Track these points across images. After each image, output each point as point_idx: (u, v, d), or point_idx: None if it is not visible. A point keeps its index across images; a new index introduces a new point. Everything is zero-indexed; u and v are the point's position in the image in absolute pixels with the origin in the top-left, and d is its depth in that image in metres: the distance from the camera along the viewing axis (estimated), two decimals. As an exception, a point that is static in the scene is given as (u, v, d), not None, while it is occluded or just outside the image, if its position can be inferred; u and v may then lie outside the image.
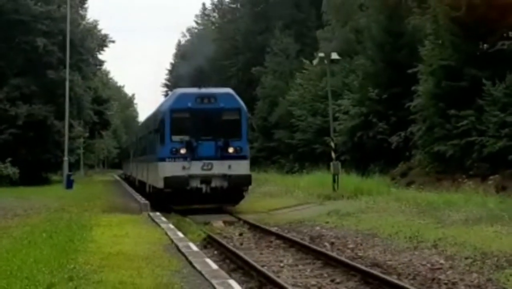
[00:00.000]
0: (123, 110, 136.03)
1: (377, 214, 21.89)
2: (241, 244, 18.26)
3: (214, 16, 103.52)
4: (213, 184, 24.60)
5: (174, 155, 24.65)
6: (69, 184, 37.67)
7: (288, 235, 19.11)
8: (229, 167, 24.71)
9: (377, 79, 41.87)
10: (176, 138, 24.95)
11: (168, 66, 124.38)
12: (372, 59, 43.57)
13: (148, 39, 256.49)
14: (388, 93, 40.43)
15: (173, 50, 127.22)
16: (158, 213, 22.04)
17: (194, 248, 14.15)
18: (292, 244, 17.29)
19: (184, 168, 24.46)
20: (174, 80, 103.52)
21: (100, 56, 59.66)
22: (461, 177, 28.90)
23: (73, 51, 44.92)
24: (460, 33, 32.41)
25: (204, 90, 26.04)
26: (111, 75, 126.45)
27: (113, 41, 58.99)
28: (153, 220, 20.01)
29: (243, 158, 25.41)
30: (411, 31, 39.72)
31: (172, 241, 15.05)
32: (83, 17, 57.30)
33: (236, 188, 25.08)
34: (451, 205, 21.27)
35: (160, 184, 24.92)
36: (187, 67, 74.37)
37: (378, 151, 39.95)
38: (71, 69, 44.42)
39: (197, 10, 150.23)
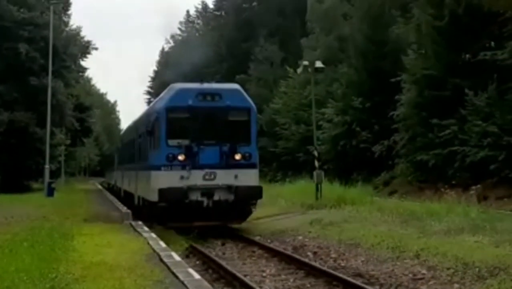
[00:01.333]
0: (105, 117, 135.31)
1: (360, 223, 21.88)
2: (224, 253, 18.22)
3: (198, 23, 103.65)
4: (216, 197, 20.69)
5: (171, 162, 20.71)
6: (50, 192, 37.40)
7: (271, 245, 19.11)
8: (236, 176, 20.97)
9: (361, 88, 42.04)
10: (173, 142, 20.94)
11: (152, 74, 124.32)
12: (355, 68, 43.74)
13: (131, 46, 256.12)
14: (371, 102, 40.59)
15: (156, 57, 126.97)
16: (140, 222, 21.87)
17: (177, 257, 14.04)
18: (274, 253, 17.25)
19: (182, 177, 20.55)
20: (157, 87, 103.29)
21: (83, 63, 59.58)
22: (443, 187, 28.99)
23: (55, 57, 44.74)
24: (443, 42, 32.61)
25: (206, 85, 22.49)
26: (93, 82, 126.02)
27: (96, 48, 59.00)
28: (135, 229, 19.86)
29: (252, 166, 21.58)
30: (395, 40, 39.91)
31: (154, 251, 14.93)
32: (66, 24, 57.23)
33: (244, 202, 21.32)
34: (433, 214, 21.29)
35: (153, 197, 20.96)
36: (170, 75, 74.22)
37: (361, 159, 40.06)
38: (54, 76, 44.24)
39: (181, 17, 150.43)
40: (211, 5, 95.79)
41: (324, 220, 23.23)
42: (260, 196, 21.42)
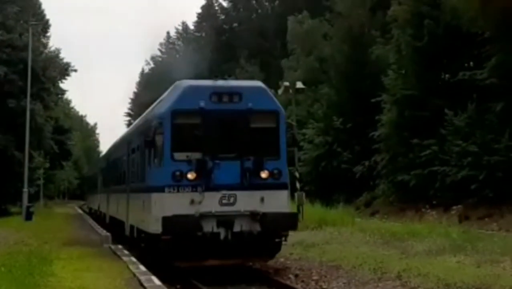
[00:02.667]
0: (85, 140, 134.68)
1: (341, 245, 21.77)
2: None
3: (179, 45, 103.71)
4: (237, 228, 15.82)
5: (178, 182, 15.86)
6: (29, 216, 36.95)
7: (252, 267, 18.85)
8: (262, 200, 16.14)
9: (341, 109, 42.19)
10: (180, 156, 16.10)
11: (131, 95, 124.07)
12: (336, 88, 43.93)
13: (111, 68, 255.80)
14: (352, 123, 40.72)
15: (136, 79, 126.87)
16: (120, 246, 21.60)
17: (157, 282, 13.82)
18: (256, 276, 17.03)
19: (193, 202, 15.75)
20: (137, 109, 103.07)
21: (62, 85, 59.22)
22: (425, 207, 29.05)
23: (34, 80, 44.40)
24: (422, 63, 32.83)
25: (222, 83, 17.10)
26: (72, 104, 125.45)
27: (75, 70, 58.67)
28: (114, 253, 19.62)
29: (283, 186, 16.72)
30: (375, 60, 40.15)
31: (134, 275, 14.71)
32: (45, 46, 56.97)
33: (273, 234, 16.40)
34: (414, 235, 21.26)
35: (155, 228, 15.99)
36: (150, 96, 73.96)
37: (342, 180, 40.08)
38: (32, 99, 43.87)
39: (161, 38, 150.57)
40: (191, 26, 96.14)
41: (306, 242, 23.09)
42: (294, 226, 16.58)
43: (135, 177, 20.53)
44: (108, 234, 24.44)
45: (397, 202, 33.89)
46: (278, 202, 16.38)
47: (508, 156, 26.72)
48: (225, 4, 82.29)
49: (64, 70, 57.16)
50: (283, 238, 16.56)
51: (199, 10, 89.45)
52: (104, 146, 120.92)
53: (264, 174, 16.30)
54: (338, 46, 44.97)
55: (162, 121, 16.36)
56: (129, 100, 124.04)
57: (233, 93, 16.68)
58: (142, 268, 15.98)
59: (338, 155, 40.53)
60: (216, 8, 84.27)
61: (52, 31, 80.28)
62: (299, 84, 33.55)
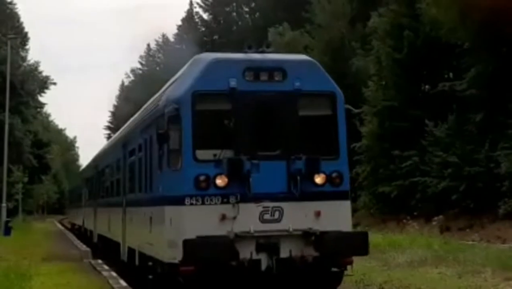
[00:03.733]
0: (64, 154, 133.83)
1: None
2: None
3: (159, 57, 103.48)
4: (284, 253, 11.51)
5: (203, 191, 11.47)
6: (7, 231, 36.53)
7: None
8: (318, 215, 11.84)
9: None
10: (205, 155, 11.76)
11: (111, 108, 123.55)
12: (316, 100, 43.93)
13: (90, 81, 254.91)
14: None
15: (116, 92, 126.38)
16: (100, 261, 21.37)
17: (137, 297, 13.64)
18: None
19: (224, 218, 11.42)
20: (117, 122, 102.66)
21: (41, 99, 58.82)
22: (406, 218, 29.09)
23: (13, 93, 44.07)
24: (402, 74, 32.99)
25: (259, 56, 12.57)
26: (51, 118, 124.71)
27: (54, 83, 58.48)
28: (94, 268, 19.42)
29: (344, 196, 12.29)
30: (355, 72, 40.23)
31: (115, 290, 14.54)
32: (23, 59, 56.52)
33: (332, 261, 12.13)
34: (396, 246, 21.27)
35: (171, 255, 11.62)
36: (130, 109, 73.63)
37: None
38: (11, 112, 43.50)
39: (142, 50, 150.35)
40: (172, 39, 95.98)
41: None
42: (364, 250, 11.80)
43: (135, 186, 16.01)
44: (88, 249, 24.24)
45: (379, 214, 33.91)
46: (338, 216, 11.99)
47: (488, 167, 26.83)
48: (205, 16, 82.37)
49: (43, 83, 56.88)
50: (345, 266, 12.16)
51: (180, 23, 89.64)
52: (84, 160, 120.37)
53: (319, 179, 11.90)
54: (319, 57, 44.83)
55: (179, 108, 11.69)
56: (109, 114, 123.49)
57: (274, 68, 12.23)
58: (123, 283, 15.83)
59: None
60: (197, 20, 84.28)
61: (31, 44, 79.92)
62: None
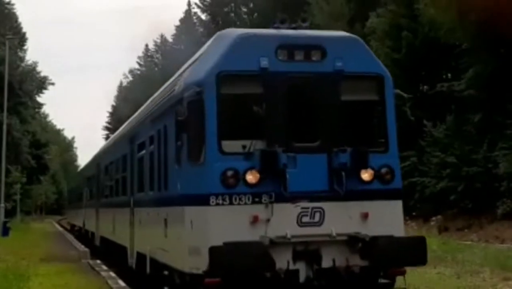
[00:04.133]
0: (62, 154, 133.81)
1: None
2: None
3: (157, 58, 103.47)
4: (326, 262, 9.95)
5: (230, 189, 9.89)
6: (5, 232, 36.52)
7: None
8: (365, 217, 10.22)
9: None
10: (233, 146, 10.14)
11: (110, 109, 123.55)
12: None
13: (88, 81, 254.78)
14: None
15: (114, 92, 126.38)
16: (98, 261, 21.37)
17: (136, 297, 13.61)
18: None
19: (256, 221, 9.80)
20: (115, 123, 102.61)
21: (39, 99, 58.82)
22: (404, 218, 28.99)
23: (11, 93, 44.07)
24: (401, 74, 32.91)
25: (294, 32, 10.92)
26: (50, 118, 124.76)
27: (52, 83, 58.48)
28: (93, 269, 19.40)
29: (395, 194, 10.56)
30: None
31: (113, 291, 14.54)
32: (22, 59, 56.51)
33: (384, 271, 10.52)
34: (396, 246, 21.22)
35: (193, 264, 9.95)
36: (129, 110, 73.62)
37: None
38: (9, 113, 43.49)
39: (140, 51, 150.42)
40: (170, 39, 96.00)
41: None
42: (422, 258, 10.10)
43: (145, 184, 14.31)
44: (87, 249, 24.23)
45: (377, 214, 33.96)
46: (390, 219, 10.22)
47: (486, 167, 26.87)
48: (203, 17, 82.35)
49: (41, 83, 56.86)
50: (394, 277, 10.43)
51: (178, 23, 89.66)
52: (82, 160, 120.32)
53: (367, 175, 10.22)
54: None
55: (201, 91, 10.01)
56: (107, 114, 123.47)
57: (312, 46, 10.52)
58: (121, 283, 15.82)
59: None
60: (195, 21, 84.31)
61: (29, 44, 79.90)
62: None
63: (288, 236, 9.57)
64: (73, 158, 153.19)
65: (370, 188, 10.14)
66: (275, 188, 9.74)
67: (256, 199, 9.69)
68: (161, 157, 12.33)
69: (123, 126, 21.95)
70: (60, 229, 54.75)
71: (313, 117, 10.30)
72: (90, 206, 29.48)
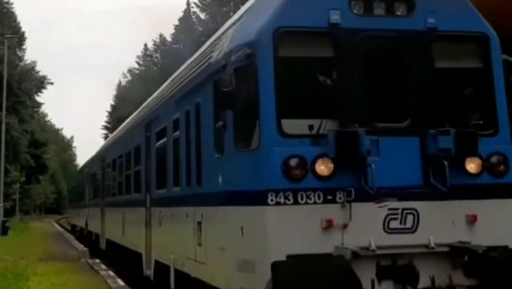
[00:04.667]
0: (61, 153, 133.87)
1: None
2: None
3: (156, 57, 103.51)
4: (423, 282, 7.34)
5: (295, 183, 7.17)
6: (4, 231, 36.64)
7: None
8: (472, 222, 7.56)
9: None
10: (296, 126, 7.41)
11: (109, 108, 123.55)
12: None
13: (87, 81, 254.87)
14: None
15: (113, 91, 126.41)
16: (97, 260, 21.36)
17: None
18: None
19: (328, 226, 7.17)
20: (114, 122, 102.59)
21: (38, 98, 58.81)
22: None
23: (10, 93, 44.08)
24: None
25: None
26: (49, 117, 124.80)
27: (51, 83, 58.42)
28: (92, 268, 19.39)
29: (509, 191, 7.77)
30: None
31: (112, 290, 14.54)
32: (20, 58, 56.49)
33: None
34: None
35: (248, 284, 7.43)
36: (129, 109, 73.53)
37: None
38: (8, 112, 43.47)
39: (139, 50, 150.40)
40: (169, 38, 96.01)
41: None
42: None
43: (167, 178, 11.80)
44: (86, 248, 24.23)
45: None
46: (504, 224, 7.70)
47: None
48: (202, 16, 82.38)
49: (40, 83, 56.85)
50: None
51: (177, 22, 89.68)
52: (81, 160, 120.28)
53: (473, 165, 7.65)
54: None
55: (253, 54, 7.45)
56: (106, 114, 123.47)
57: None
58: (120, 282, 15.81)
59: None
60: (194, 20, 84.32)
61: (28, 44, 79.81)
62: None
63: (372, 246, 7.09)
64: (72, 157, 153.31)
65: (478, 182, 7.63)
66: (354, 182, 7.27)
67: (329, 197, 7.24)
68: (191, 144, 9.89)
69: (135, 113, 19.13)
70: (60, 228, 54.72)
71: (399, 89, 7.81)
72: (94, 205, 27.46)
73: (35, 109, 61.16)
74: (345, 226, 7.17)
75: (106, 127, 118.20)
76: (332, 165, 7.21)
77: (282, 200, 7.10)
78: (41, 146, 64.59)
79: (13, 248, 25.62)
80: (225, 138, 7.99)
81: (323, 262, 6.94)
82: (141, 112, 16.91)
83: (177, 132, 10.91)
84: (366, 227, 7.20)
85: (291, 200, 7.11)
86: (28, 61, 58.32)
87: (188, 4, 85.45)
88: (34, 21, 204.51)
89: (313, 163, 7.19)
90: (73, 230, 44.38)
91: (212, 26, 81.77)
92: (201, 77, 9.40)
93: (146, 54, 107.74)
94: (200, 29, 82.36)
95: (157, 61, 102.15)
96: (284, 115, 7.28)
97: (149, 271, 13.35)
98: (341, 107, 7.48)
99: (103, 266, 19.68)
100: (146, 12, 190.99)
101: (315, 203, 7.18)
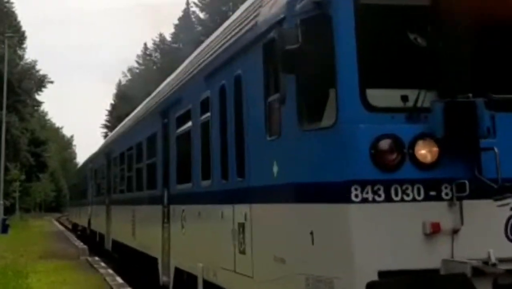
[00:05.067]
0: (61, 152, 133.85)
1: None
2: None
3: (156, 56, 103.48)
4: None
5: (388, 174, 5.25)
6: (4, 229, 36.68)
7: None
8: None
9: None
10: (385, 97, 5.48)
11: (108, 107, 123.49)
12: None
13: (87, 79, 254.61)
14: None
15: (113, 90, 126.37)
16: (97, 258, 21.44)
17: (134, 294, 13.67)
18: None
19: (434, 230, 5.25)
20: (114, 121, 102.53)
21: (38, 97, 58.91)
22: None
23: (10, 92, 44.12)
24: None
25: None
26: (49, 116, 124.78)
27: (51, 82, 58.51)
28: (91, 265, 19.47)
29: None
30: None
31: (111, 287, 14.62)
32: (21, 57, 56.59)
33: None
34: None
35: None
36: (128, 108, 73.50)
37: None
38: (8, 111, 43.56)
39: (138, 49, 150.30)
40: (168, 38, 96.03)
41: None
42: None
43: (193, 171, 9.81)
44: (85, 246, 24.29)
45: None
46: None
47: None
48: (202, 15, 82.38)
49: (40, 82, 56.94)
50: None
51: (176, 22, 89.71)
52: (81, 158, 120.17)
53: None
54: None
55: (326, 1, 5.63)
56: (106, 112, 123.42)
57: None
58: (119, 280, 15.87)
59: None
60: (193, 19, 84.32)
61: (28, 43, 79.84)
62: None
63: (493, 259, 5.23)
64: (72, 156, 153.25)
65: None
66: (466, 173, 5.40)
67: (432, 193, 5.38)
68: (228, 127, 7.93)
69: (148, 99, 16.64)
70: (60, 227, 54.79)
71: None
72: (98, 202, 25.55)
73: (35, 108, 61.30)
74: (455, 232, 5.34)
75: (106, 126, 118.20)
76: (437, 149, 5.37)
77: (370, 196, 5.26)
78: (41, 144, 64.70)
79: (13, 246, 25.65)
80: (284, 115, 6.11)
81: (441, 284, 5.18)
82: (155, 98, 14.60)
83: (206, 115, 8.94)
84: (482, 233, 5.40)
85: (382, 196, 5.28)
86: (28, 60, 58.49)
87: (187, 3, 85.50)
88: (35, 20, 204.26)
89: (412, 145, 5.35)
90: (74, 228, 43.32)
91: (212, 26, 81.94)
92: (242, 42, 7.41)
93: (145, 54, 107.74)
94: (200, 28, 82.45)
95: (156, 61, 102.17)
96: (369, 84, 5.45)
97: (166, 279, 11.46)
98: (444, 73, 5.58)
99: (103, 264, 19.76)
100: (146, 11, 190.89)
101: (414, 200, 5.34)
